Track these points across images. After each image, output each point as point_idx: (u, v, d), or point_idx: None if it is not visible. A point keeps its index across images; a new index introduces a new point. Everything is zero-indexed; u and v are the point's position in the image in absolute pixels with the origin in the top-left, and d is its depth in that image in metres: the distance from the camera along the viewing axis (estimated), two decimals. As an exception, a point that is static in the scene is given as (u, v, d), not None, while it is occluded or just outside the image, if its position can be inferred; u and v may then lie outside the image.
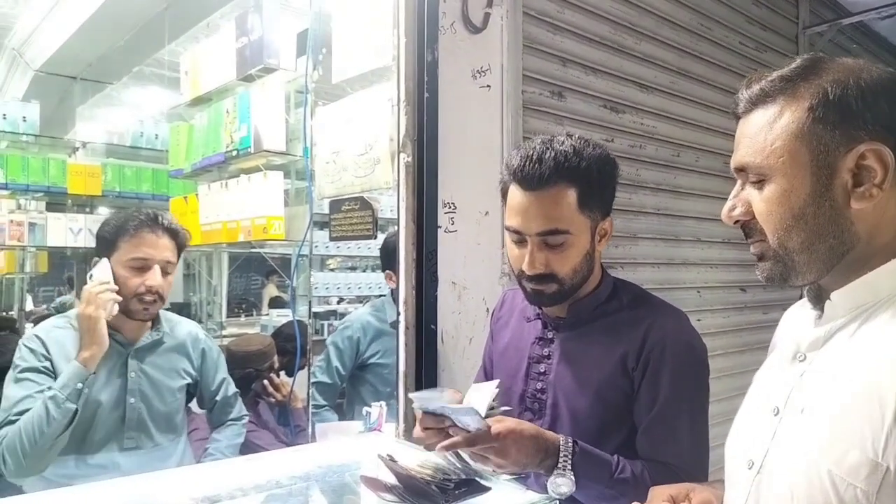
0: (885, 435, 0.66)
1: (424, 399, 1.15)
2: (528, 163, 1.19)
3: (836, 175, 0.75)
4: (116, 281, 1.75)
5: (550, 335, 1.32)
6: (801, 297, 0.92)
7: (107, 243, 1.78)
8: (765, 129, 0.79)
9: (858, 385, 0.71)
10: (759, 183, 0.80)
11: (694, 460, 1.19)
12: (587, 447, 1.16)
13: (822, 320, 0.81)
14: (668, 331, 1.23)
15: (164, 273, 1.80)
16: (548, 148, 1.20)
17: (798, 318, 0.91)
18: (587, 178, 1.19)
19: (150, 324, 1.86)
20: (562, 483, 1.11)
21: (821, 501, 0.70)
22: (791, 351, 0.83)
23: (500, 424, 1.11)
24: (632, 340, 1.23)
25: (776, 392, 0.82)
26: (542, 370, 1.31)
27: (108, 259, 1.76)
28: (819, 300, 0.83)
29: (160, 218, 1.82)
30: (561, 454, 1.13)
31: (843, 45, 3.44)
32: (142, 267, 1.76)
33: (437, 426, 1.15)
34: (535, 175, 1.18)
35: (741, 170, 0.83)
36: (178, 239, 1.85)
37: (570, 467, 1.11)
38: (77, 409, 1.62)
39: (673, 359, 1.20)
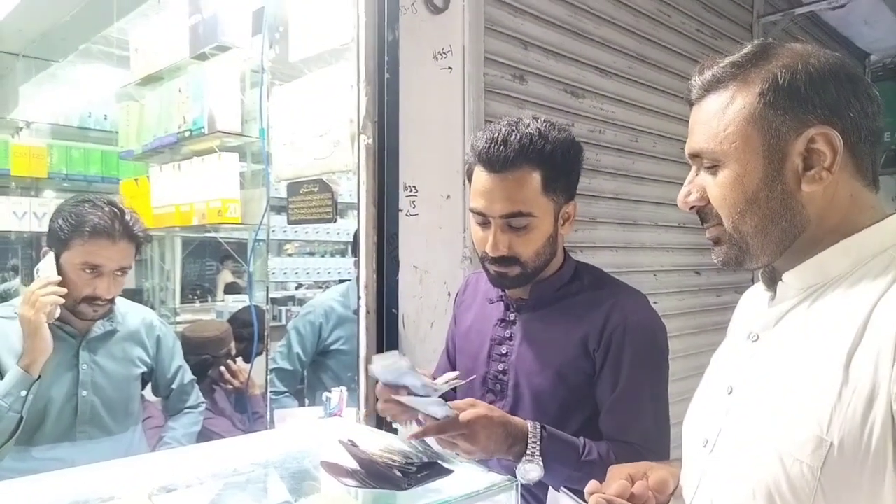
0: (830, 410, 0.68)
1: (385, 369, 1.12)
2: (493, 144, 1.18)
3: (787, 159, 0.77)
4: (66, 281, 1.64)
5: (512, 317, 1.33)
6: (752, 280, 0.94)
7: (59, 240, 1.65)
8: (718, 115, 0.80)
9: (805, 362, 0.73)
10: (714, 168, 0.81)
11: (657, 439, 1.21)
12: (555, 431, 1.17)
13: (774, 301, 0.83)
14: (628, 312, 1.24)
15: (118, 276, 1.70)
16: (513, 130, 1.19)
17: (754, 301, 0.93)
18: (552, 161, 1.19)
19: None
20: (531, 469, 1.11)
21: (769, 477, 0.71)
22: (745, 332, 0.85)
23: (470, 411, 1.11)
24: (593, 322, 1.24)
25: (730, 372, 0.84)
26: (503, 352, 1.32)
27: (60, 256, 1.65)
28: (772, 282, 0.85)
29: (119, 220, 1.68)
30: (529, 440, 1.13)
31: (795, 35, 3.53)
32: (93, 273, 1.65)
33: (394, 395, 1.14)
34: (499, 157, 1.18)
35: (696, 156, 0.84)
36: (138, 240, 1.74)
37: (538, 453, 1.12)
38: (22, 418, 1.56)
39: (634, 340, 1.22)
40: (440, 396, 1.11)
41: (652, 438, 1.20)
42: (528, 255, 1.23)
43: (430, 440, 1.17)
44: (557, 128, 1.24)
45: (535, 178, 1.19)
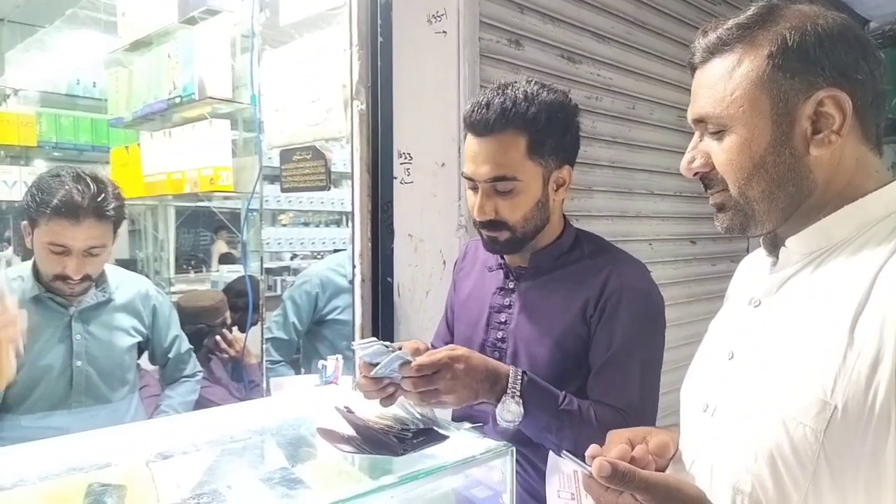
0: (834, 374, 0.68)
1: (365, 353, 1.14)
2: (477, 108, 1.19)
3: (795, 122, 0.76)
4: (38, 257, 1.60)
5: (512, 285, 1.32)
6: (748, 250, 0.93)
7: (28, 217, 1.61)
8: (724, 79, 0.78)
9: (809, 326, 0.73)
10: (719, 133, 0.80)
11: (642, 406, 1.20)
12: (535, 377, 1.17)
13: (777, 267, 0.82)
14: (626, 278, 1.24)
15: (91, 255, 1.63)
16: (500, 93, 1.19)
17: (753, 267, 0.92)
18: (536, 124, 1.18)
19: (94, 283, 1.76)
20: (511, 408, 1.12)
21: (772, 441, 0.71)
22: (746, 297, 0.84)
23: (450, 351, 1.12)
24: (591, 288, 1.23)
25: (731, 337, 0.84)
26: (502, 319, 1.31)
27: (32, 231, 1.60)
28: (774, 247, 0.84)
29: (86, 198, 1.58)
30: (510, 381, 1.14)
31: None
32: (61, 252, 1.60)
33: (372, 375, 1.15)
34: (481, 121, 1.18)
35: (700, 121, 0.82)
36: (108, 219, 1.63)
37: (518, 393, 1.13)
38: None
39: (630, 306, 1.21)
40: None
41: (636, 405, 1.19)
42: (516, 220, 1.22)
43: (416, 404, 1.17)
44: (548, 89, 1.22)
45: (520, 141, 1.18)
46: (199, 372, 2.14)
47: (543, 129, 1.18)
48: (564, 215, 1.34)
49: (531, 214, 1.23)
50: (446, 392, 1.10)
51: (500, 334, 1.31)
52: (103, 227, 1.63)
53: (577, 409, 1.16)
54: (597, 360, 1.22)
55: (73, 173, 1.64)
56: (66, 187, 1.59)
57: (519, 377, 1.14)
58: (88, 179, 1.64)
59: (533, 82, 1.22)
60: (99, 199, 1.61)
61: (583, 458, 0.80)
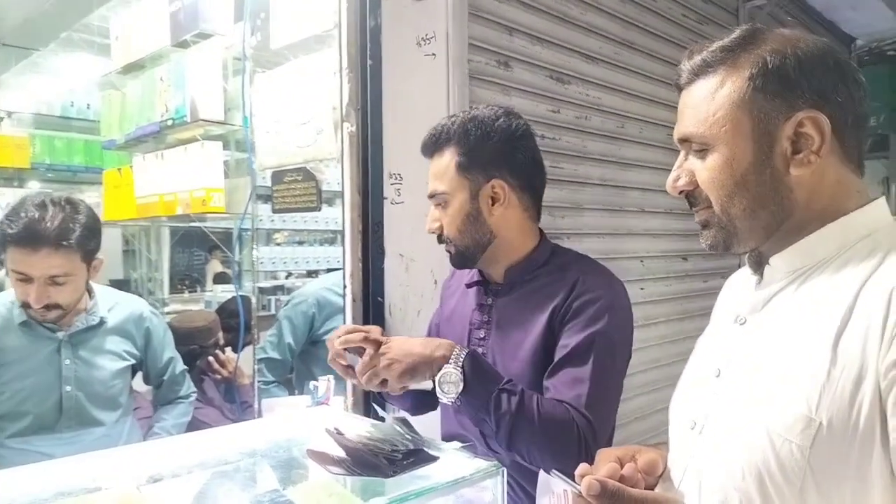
0: (819, 391, 0.69)
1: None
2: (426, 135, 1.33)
3: (776, 143, 0.77)
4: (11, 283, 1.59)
5: (490, 301, 1.36)
6: (739, 266, 0.94)
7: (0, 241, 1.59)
8: (707, 100, 0.80)
9: (794, 343, 0.74)
10: (703, 152, 0.82)
11: (591, 406, 1.16)
12: (480, 356, 1.21)
13: (761, 284, 0.84)
14: (592, 286, 1.25)
15: (55, 284, 1.59)
16: (445, 120, 1.32)
17: (739, 285, 0.93)
18: (455, 140, 1.28)
19: (84, 307, 1.75)
20: (451, 379, 1.14)
21: (759, 457, 0.72)
22: (732, 315, 0.86)
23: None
24: (558, 298, 1.25)
25: (718, 355, 0.85)
26: (482, 335, 1.34)
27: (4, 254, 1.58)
28: (759, 265, 0.85)
29: (42, 228, 1.54)
30: (454, 354, 1.17)
31: (780, 19, 3.53)
32: (23, 280, 1.57)
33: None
34: (422, 146, 1.34)
35: (685, 140, 0.84)
36: (70, 248, 1.57)
37: (461, 363, 1.15)
38: None
39: (591, 311, 1.22)
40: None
41: (585, 405, 1.16)
42: (452, 233, 1.30)
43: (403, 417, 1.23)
44: (485, 107, 1.32)
45: (449, 158, 1.29)
46: (193, 393, 2.13)
47: (463, 143, 1.28)
48: (542, 231, 1.36)
49: (464, 228, 1.29)
50: (383, 370, 1.17)
51: (480, 350, 1.32)
52: (64, 256, 1.58)
53: (520, 392, 1.15)
54: (554, 361, 1.22)
55: (39, 200, 1.60)
56: (26, 215, 1.55)
57: (463, 352, 1.17)
58: (51, 207, 1.59)
59: (478, 106, 1.35)
60: (59, 228, 1.56)
61: (572, 478, 0.80)
